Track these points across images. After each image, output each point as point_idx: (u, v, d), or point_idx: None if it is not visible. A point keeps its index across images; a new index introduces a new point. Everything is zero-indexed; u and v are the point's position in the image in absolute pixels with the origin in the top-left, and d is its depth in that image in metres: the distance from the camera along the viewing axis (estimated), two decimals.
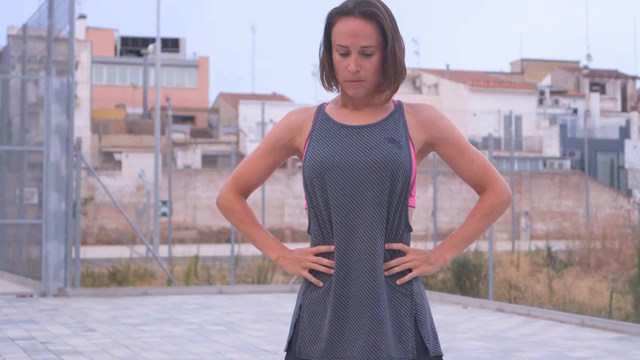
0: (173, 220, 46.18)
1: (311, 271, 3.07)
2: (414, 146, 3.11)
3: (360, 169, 3.01)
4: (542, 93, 68.85)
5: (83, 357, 9.25)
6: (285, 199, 48.92)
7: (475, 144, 63.94)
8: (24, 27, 19.12)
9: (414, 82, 70.73)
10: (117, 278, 18.24)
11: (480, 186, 3.18)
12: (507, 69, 79.78)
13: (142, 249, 26.94)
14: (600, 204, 34.01)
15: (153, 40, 64.44)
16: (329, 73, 3.13)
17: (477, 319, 12.85)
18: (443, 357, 3.10)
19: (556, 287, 15.26)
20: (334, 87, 3.16)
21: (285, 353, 3.12)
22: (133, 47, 72.21)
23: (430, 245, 27.95)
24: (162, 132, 50.51)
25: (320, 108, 3.18)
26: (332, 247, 3.02)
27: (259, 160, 3.21)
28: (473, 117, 63.72)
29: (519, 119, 64.23)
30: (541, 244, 23.08)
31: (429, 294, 15.75)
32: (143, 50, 66.18)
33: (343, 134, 3.08)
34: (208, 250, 27.77)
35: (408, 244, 3.10)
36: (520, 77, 75.00)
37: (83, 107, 55.60)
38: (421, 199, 47.94)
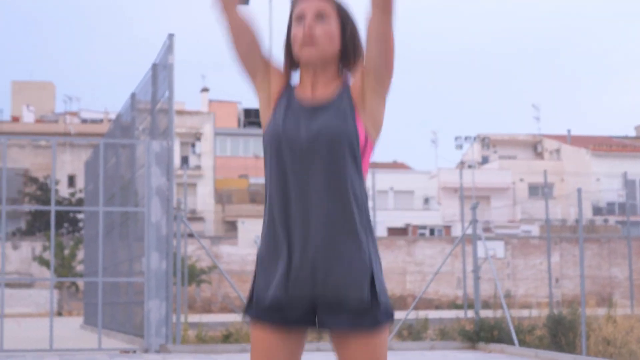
0: None
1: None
2: (361, 104, 3.24)
3: (310, 143, 3.18)
4: None
5: None
6: (407, 267, 49.00)
7: (599, 209, 62.94)
8: (132, 96, 20.04)
9: (535, 147, 70.25)
10: (229, 340, 18.71)
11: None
12: (631, 133, 78.49)
13: None
14: None
15: None
16: (289, 52, 3.31)
17: None
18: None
19: None
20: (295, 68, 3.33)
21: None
22: (255, 118, 73.86)
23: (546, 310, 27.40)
24: None
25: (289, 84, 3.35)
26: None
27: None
28: (596, 182, 62.82)
29: None
30: None
31: (526, 351, 15.73)
32: None
33: (299, 114, 3.23)
34: None
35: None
36: None
37: (206, 177, 57.06)
38: (544, 265, 47.43)
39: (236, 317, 27.05)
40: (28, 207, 22.84)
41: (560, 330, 15.68)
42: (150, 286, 15.97)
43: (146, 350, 16.15)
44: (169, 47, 16.05)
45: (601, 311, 17.99)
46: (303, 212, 3.15)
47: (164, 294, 15.99)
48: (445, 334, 18.71)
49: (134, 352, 16.16)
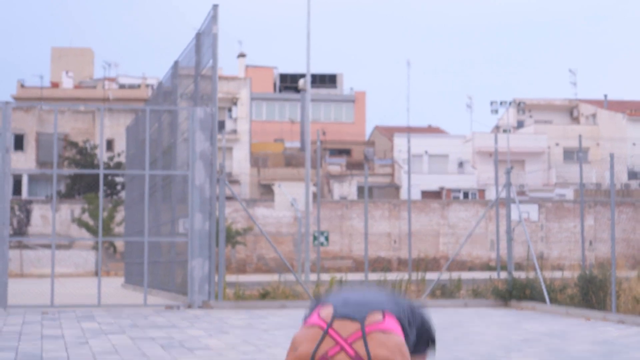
0: (330, 249, 47.32)
1: None
2: None
3: None
4: None
5: (212, 352, 10.24)
6: (441, 229, 49.42)
7: (634, 173, 62.90)
8: (176, 64, 20.57)
9: (571, 112, 70.17)
10: (266, 298, 19.33)
11: None
12: None
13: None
14: None
15: (311, 76, 66.20)
16: None
17: (596, 329, 13.26)
18: None
19: None
20: None
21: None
22: (291, 83, 74.28)
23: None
24: (320, 165, 51.88)
25: None
26: None
27: None
28: (632, 146, 62.77)
29: None
30: None
31: (557, 309, 16.22)
32: (300, 86, 68.07)
33: None
34: (359, 277, 28.61)
35: None
36: None
37: (242, 141, 57.67)
38: (578, 228, 47.64)
39: (272, 277, 27.66)
40: (77, 171, 23.35)
41: (591, 289, 16.13)
42: (194, 245, 16.59)
43: (189, 306, 16.80)
44: (213, 17, 16.56)
45: (634, 273, 18.40)
46: None
47: (206, 253, 16.62)
48: (478, 294, 19.21)
49: (178, 307, 16.82)
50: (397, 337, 3.24)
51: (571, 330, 12.98)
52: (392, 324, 3.28)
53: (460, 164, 62.64)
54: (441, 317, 14.97)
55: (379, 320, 3.24)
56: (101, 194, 17.67)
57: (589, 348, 10.75)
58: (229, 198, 41.19)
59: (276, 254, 45.13)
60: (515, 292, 17.92)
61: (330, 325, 3.20)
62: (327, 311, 3.30)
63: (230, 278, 26.31)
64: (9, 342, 11.26)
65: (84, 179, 52.72)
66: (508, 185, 20.36)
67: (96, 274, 41.88)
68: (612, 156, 16.13)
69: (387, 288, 17.52)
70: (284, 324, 13.67)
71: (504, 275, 20.90)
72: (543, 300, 17.17)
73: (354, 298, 3.37)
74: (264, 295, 19.32)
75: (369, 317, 3.23)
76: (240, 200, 19.54)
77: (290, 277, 26.72)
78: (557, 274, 21.94)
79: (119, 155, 52.89)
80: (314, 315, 3.34)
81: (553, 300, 17.01)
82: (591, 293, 16.18)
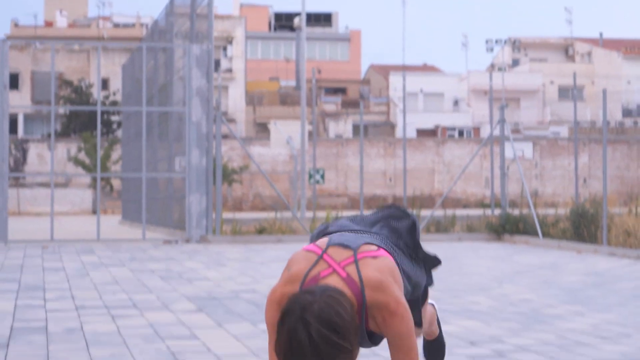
0: (325, 187, 47.58)
1: None
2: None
3: None
4: None
5: (210, 282, 10.48)
6: (436, 167, 49.64)
7: (629, 111, 63.07)
8: (171, 2, 20.60)
9: (566, 50, 70.08)
10: (263, 234, 19.59)
11: None
12: None
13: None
14: None
15: (306, 15, 65.96)
16: None
17: (587, 261, 13.51)
18: None
19: None
20: None
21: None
22: (286, 22, 74.02)
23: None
24: (315, 104, 51.96)
25: None
26: None
27: None
28: (627, 84, 62.83)
29: None
30: None
31: (549, 242, 16.48)
32: (296, 25, 67.87)
33: None
34: (354, 214, 28.83)
35: None
36: None
37: (238, 79, 57.65)
38: (572, 166, 47.88)
39: (268, 214, 27.92)
40: (75, 107, 23.43)
41: (583, 223, 16.38)
42: (192, 181, 16.79)
43: (187, 241, 17.05)
44: None
45: (627, 210, 18.66)
46: None
47: (204, 189, 16.82)
48: (472, 229, 19.48)
49: (176, 242, 17.07)
50: (389, 260, 3.39)
51: (562, 263, 13.24)
52: (385, 253, 3.43)
53: (456, 103, 62.72)
54: (435, 251, 15.18)
55: (372, 250, 3.39)
56: (99, 130, 17.86)
57: (579, 279, 11.00)
58: (225, 136, 41.34)
59: (272, 192, 45.41)
60: (508, 227, 18.18)
61: (325, 251, 3.36)
62: (323, 240, 3.45)
63: (227, 215, 26.57)
64: (11, 274, 11.50)
65: (80, 118, 52.75)
66: (502, 121, 20.55)
67: (93, 212, 42.14)
68: (604, 92, 16.28)
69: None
70: (281, 257, 13.91)
71: (498, 212, 21.15)
72: (536, 234, 17.43)
73: (350, 234, 3.51)
74: (260, 231, 19.57)
75: (362, 246, 3.38)
76: (237, 137, 19.72)
77: (286, 214, 26.98)
78: (551, 211, 22.22)
79: (114, 94, 52.90)
80: (311, 244, 3.50)
81: (545, 235, 17.27)
82: (583, 227, 16.44)
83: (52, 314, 7.91)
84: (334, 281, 3.25)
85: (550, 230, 17.31)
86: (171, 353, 6.04)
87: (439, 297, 9.10)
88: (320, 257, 3.33)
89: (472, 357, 5.94)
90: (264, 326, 7.12)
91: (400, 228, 3.73)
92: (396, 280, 3.36)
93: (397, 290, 3.30)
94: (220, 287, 10.04)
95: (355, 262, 3.29)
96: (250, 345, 6.33)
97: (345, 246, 3.35)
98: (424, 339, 4.32)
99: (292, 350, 3.01)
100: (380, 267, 3.31)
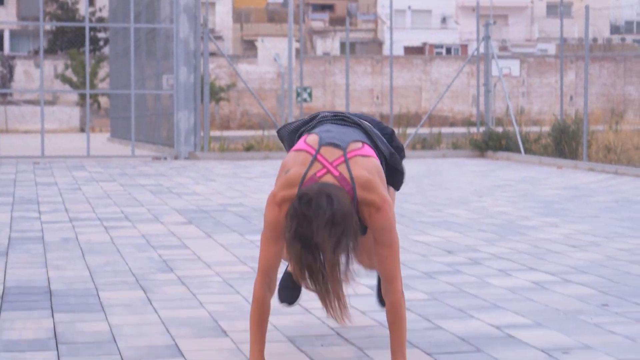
0: (312, 105, 47.67)
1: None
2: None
3: None
4: None
5: (199, 196, 10.79)
6: (423, 85, 49.77)
7: (617, 27, 63.08)
8: None
9: None
10: (250, 151, 19.86)
11: (384, 277, 3.73)
12: None
13: None
14: None
15: None
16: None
17: (566, 176, 13.86)
18: None
19: None
20: None
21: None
22: None
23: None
24: (303, 21, 51.82)
25: None
26: None
27: (273, 247, 3.71)
28: (615, 1, 62.72)
29: None
30: None
31: (530, 158, 16.83)
32: None
33: None
34: None
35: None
36: None
37: None
38: (559, 83, 48.06)
39: (256, 133, 28.15)
40: (63, 23, 23.39)
41: (564, 139, 16.71)
42: (180, 98, 17.01)
43: (176, 157, 17.34)
44: None
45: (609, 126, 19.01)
46: None
47: (192, 106, 17.06)
48: (457, 146, 19.80)
49: (165, 158, 17.36)
50: (375, 160, 3.71)
51: (542, 177, 13.58)
52: (370, 151, 3.74)
53: (443, 20, 62.59)
54: (419, 167, 15.55)
55: (358, 147, 3.70)
56: (87, 46, 17.96)
57: (557, 192, 11.34)
58: (212, 54, 41.30)
59: (260, 110, 45.53)
60: (491, 143, 18.50)
61: (318, 151, 3.65)
62: (313, 138, 3.74)
63: (215, 133, 26.80)
64: (5, 188, 11.79)
65: (66, 35, 52.55)
66: (487, 38, 20.74)
67: (80, 130, 42.24)
68: (587, 8, 16.46)
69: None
70: (268, 173, 14.21)
71: (483, 129, 21.41)
72: (518, 150, 17.76)
73: (335, 129, 3.80)
74: (248, 148, 19.86)
75: (350, 145, 3.68)
76: (225, 55, 19.87)
77: (274, 132, 27.20)
78: (536, 128, 22.52)
79: (100, 10, 52.62)
80: (300, 142, 3.77)
81: (527, 151, 17.61)
82: (564, 143, 16.77)
83: (48, 225, 8.23)
84: (329, 180, 3.58)
85: (532, 147, 17.64)
86: (163, 261, 6.37)
87: (421, 210, 9.44)
88: (315, 158, 3.63)
89: (448, 265, 6.28)
90: (251, 237, 7.45)
91: (377, 124, 4.08)
92: (381, 179, 3.68)
93: (383, 188, 3.63)
94: (209, 200, 10.36)
95: (346, 161, 3.60)
96: (237, 254, 6.66)
97: (335, 145, 3.64)
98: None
99: (311, 211, 3.35)
100: (369, 167, 3.62)
